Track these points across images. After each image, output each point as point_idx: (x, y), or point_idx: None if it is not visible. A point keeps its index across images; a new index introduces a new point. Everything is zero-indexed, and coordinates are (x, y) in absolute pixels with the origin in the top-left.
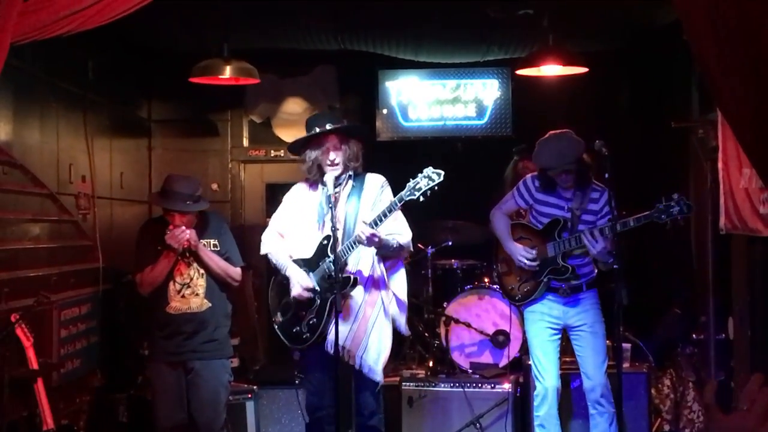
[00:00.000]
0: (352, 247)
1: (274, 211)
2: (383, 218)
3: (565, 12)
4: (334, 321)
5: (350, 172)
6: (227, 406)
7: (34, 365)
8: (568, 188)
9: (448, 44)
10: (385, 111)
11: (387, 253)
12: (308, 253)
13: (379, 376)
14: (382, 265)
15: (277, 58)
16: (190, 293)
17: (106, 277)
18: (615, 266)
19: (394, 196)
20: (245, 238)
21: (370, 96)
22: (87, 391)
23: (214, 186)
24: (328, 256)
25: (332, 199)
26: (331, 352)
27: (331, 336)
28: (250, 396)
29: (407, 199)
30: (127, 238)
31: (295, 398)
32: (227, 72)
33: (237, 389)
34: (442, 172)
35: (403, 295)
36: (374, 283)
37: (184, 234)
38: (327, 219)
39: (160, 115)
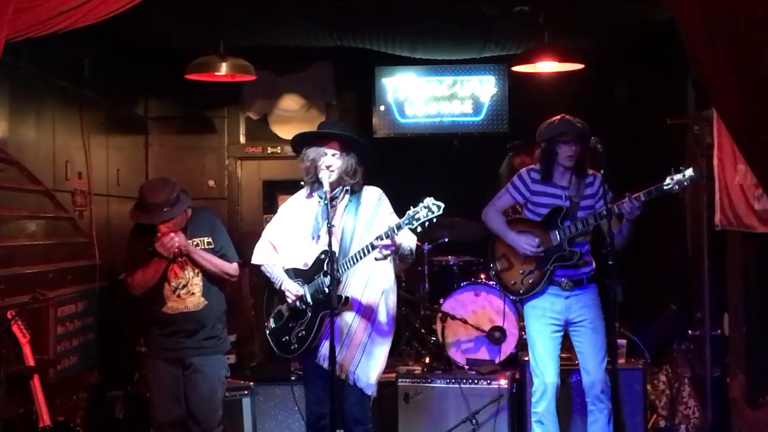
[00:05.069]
0: (351, 264)
1: (271, 208)
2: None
3: (561, 9)
4: (324, 336)
5: (347, 187)
6: (224, 402)
7: (31, 362)
8: (568, 168)
9: (445, 41)
10: (382, 107)
11: (403, 260)
12: (302, 264)
13: (371, 389)
14: (377, 284)
15: (274, 55)
16: (186, 293)
17: (102, 274)
18: (610, 262)
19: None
20: (242, 234)
21: (366, 93)
22: (84, 387)
23: (211, 183)
24: (325, 272)
25: (328, 204)
26: (324, 365)
27: (323, 350)
28: (246, 392)
29: (405, 227)
30: (123, 235)
31: (291, 395)
32: (223, 69)
33: (233, 386)
34: (442, 205)
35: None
36: (367, 303)
37: (172, 241)
38: (323, 233)
39: (157, 112)
